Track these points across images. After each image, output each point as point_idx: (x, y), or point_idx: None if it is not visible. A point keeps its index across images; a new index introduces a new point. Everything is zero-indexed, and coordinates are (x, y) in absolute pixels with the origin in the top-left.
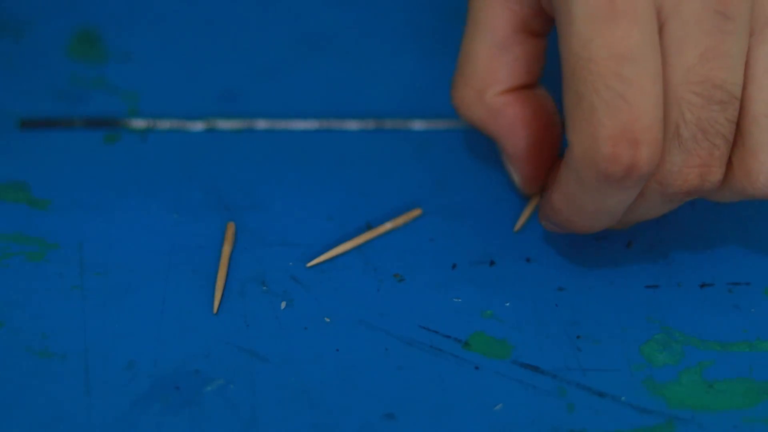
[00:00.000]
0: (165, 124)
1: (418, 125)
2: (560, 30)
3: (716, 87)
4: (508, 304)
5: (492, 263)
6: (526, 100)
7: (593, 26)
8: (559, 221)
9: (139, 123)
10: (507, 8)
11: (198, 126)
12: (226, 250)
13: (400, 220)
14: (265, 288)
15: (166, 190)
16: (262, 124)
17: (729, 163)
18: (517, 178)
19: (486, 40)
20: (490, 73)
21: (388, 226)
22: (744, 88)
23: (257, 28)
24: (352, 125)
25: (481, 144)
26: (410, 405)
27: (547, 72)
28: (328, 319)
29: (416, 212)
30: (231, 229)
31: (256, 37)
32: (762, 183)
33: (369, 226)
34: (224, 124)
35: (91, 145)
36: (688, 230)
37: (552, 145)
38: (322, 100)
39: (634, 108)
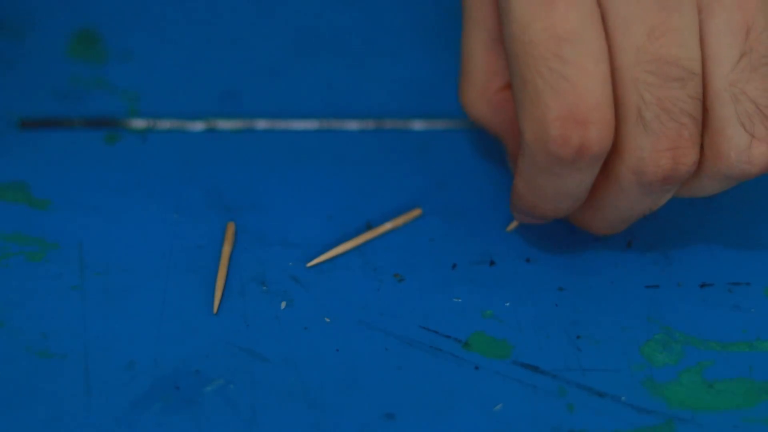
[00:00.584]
0: (165, 124)
1: (418, 125)
2: (502, 17)
3: (670, 64)
4: (508, 304)
5: (492, 263)
6: None
7: (531, 10)
8: (525, 207)
9: (139, 123)
10: (496, 3)
11: (198, 126)
12: (226, 250)
13: (400, 220)
14: (265, 288)
15: (166, 190)
16: (262, 124)
17: (701, 148)
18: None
19: (481, 36)
20: (489, 68)
21: (388, 226)
22: (703, 65)
23: (257, 28)
24: (352, 125)
25: (481, 144)
26: (410, 405)
27: None
28: (328, 319)
29: (416, 212)
30: (231, 229)
31: (256, 37)
32: (734, 160)
33: (369, 226)
34: (224, 124)
35: (91, 145)
36: (688, 230)
37: None
38: (322, 100)
39: (579, 88)
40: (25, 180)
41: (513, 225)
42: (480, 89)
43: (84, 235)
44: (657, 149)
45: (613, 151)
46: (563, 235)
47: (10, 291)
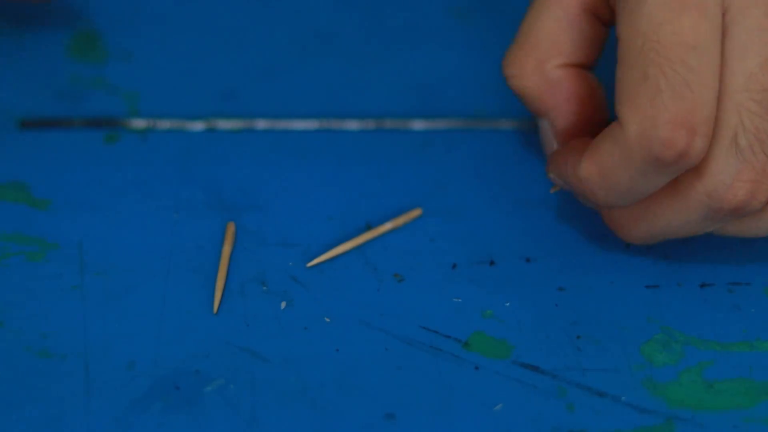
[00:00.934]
0: (165, 124)
1: (418, 125)
2: (626, 9)
3: None
4: (508, 304)
5: (492, 263)
6: (584, 78)
7: (664, 11)
8: (581, 189)
9: (139, 123)
10: None
11: (198, 126)
12: (226, 250)
13: (400, 220)
14: (265, 288)
15: (166, 190)
16: (262, 124)
17: None
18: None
19: (554, 14)
20: (555, 45)
21: (388, 226)
22: None
23: (257, 28)
24: (352, 125)
25: (481, 143)
26: (410, 405)
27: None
28: (328, 319)
29: (416, 212)
30: (231, 229)
31: (255, 36)
32: None
33: (369, 226)
34: (224, 124)
35: (91, 145)
36: None
37: (594, 128)
38: (322, 100)
39: (697, 97)
40: (25, 180)
41: (556, 188)
42: (538, 62)
43: (84, 235)
44: (740, 178)
45: (693, 168)
46: (563, 235)
47: (10, 291)
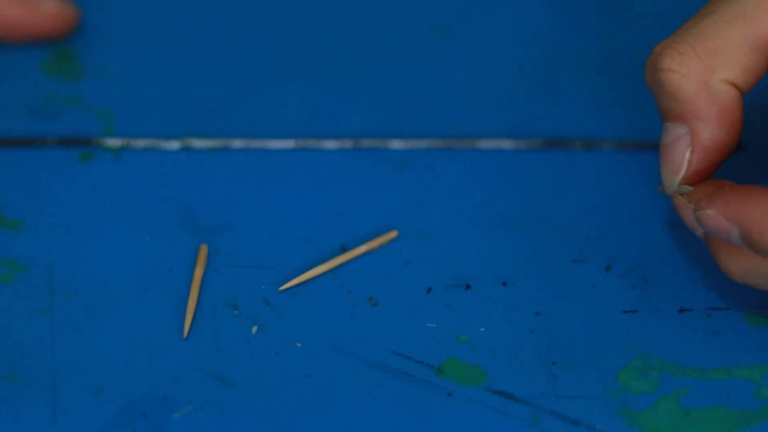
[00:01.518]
0: (140, 143)
1: (396, 144)
2: None
3: None
4: (483, 329)
5: (468, 287)
6: (740, 102)
7: None
8: (763, 230)
9: (113, 142)
10: None
11: (173, 145)
12: (198, 272)
13: (375, 243)
14: (236, 312)
15: (139, 210)
16: (238, 143)
17: None
18: (683, 168)
19: (743, 30)
20: (731, 60)
21: (363, 248)
22: None
23: (234, 46)
24: (330, 144)
25: (460, 164)
26: None
27: None
28: (299, 344)
29: (392, 234)
30: (203, 251)
31: (232, 54)
32: None
33: (344, 249)
34: (200, 143)
35: (65, 164)
36: (668, 254)
37: (732, 148)
38: (300, 119)
39: None
40: None
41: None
42: (708, 68)
43: (55, 257)
44: None
45: None
46: (541, 258)
47: None
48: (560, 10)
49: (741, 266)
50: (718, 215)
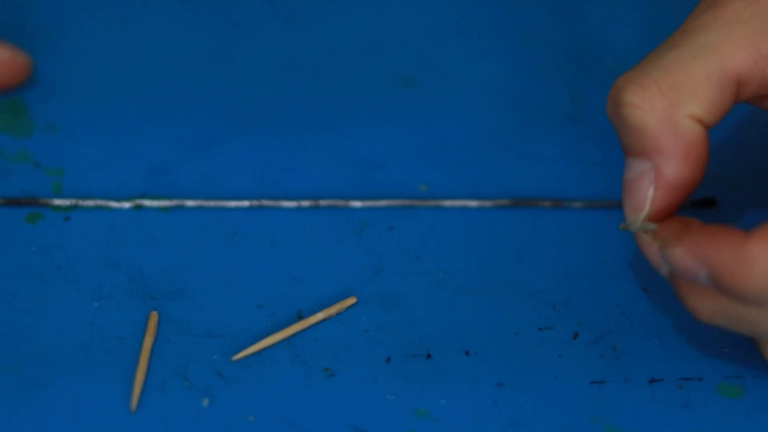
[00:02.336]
0: (90, 203)
1: (356, 204)
2: None
3: None
4: (443, 401)
5: (429, 356)
6: (706, 139)
7: None
8: (732, 272)
9: (62, 202)
10: (751, 53)
11: (124, 205)
12: (148, 341)
13: (333, 310)
14: (187, 383)
15: (87, 274)
16: (191, 202)
17: None
18: (647, 204)
19: (708, 64)
20: (696, 95)
21: (320, 316)
22: None
23: (188, 102)
24: (287, 204)
25: (422, 224)
26: None
27: None
28: (252, 418)
29: (351, 300)
30: (153, 319)
31: (186, 110)
32: None
33: (300, 316)
34: (152, 203)
35: (11, 225)
36: (637, 321)
37: (695, 185)
38: (256, 177)
39: None
40: None
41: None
42: (671, 104)
43: None
44: None
45: None
46: (504, 326)
47: None
48: (527, 65)
49: (708, 306)
50: (686, 255)
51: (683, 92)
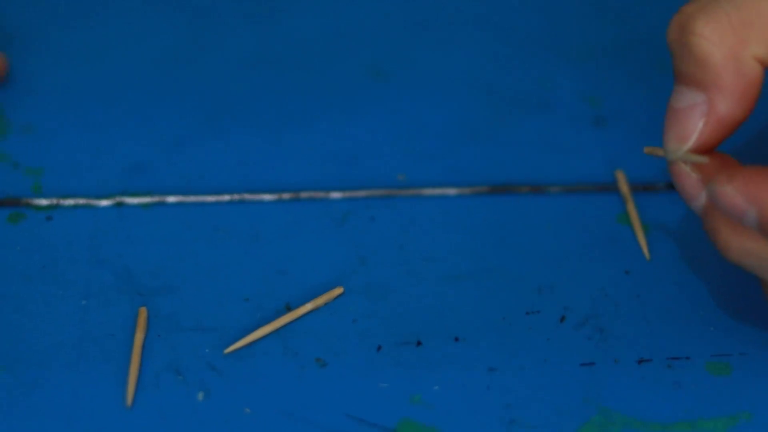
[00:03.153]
0: (70, 202)
1: (336, 195)
2: None
3: None
4: (436, 388)
5: (419, 344)
6: (763, 78)
7: None
8: (715, 227)
9: (43, 201)
10: None
11: (105, 203)
12: (139, 337)
13: (320, 300)
14: (180, 377)
15: (73, 273)
16: (172, 198)
17: None
18: (694, 136)
19: None
20: (765, 35)
21: (308, 307)
22: None
23: (165, 98)
24: (267, 197)
25: (404, 213)
26: None
27: None
28: (248, 410)
29: (338, 291)
30: (143, 314)
31: (164, 106)
32: None
33: (288, 308)
34: (132, 200)
35: None
36: (624, 302)
37: (743, 120)
38: (235, 172)
39: None
40: None
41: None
42: (740, 41)
43: None
44: None
45: None
46: (493, 311)
47: None
48: (497, 53)
49: (743, 246)
50: (737, 193)
51: (754, 31)
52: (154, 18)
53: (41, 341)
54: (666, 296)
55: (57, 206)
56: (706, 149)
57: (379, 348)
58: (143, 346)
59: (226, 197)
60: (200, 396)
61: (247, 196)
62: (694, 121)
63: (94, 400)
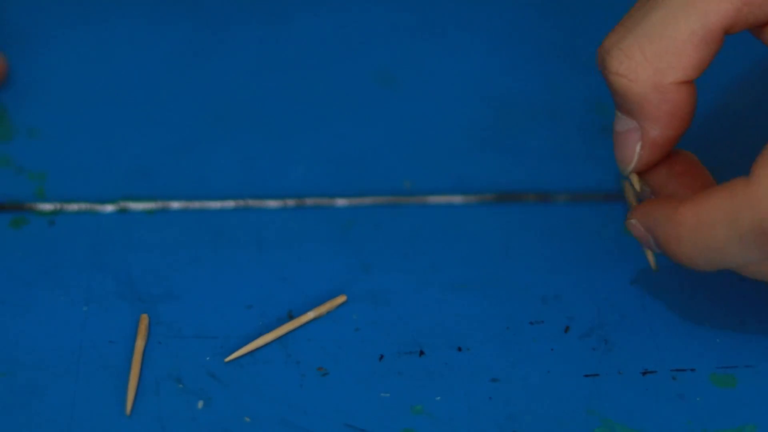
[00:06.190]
0: (73, 207)
1: (341, 203)
2: None
3: None
4: (438, 398)
5: (421, 353)
6: (692, 93)
7: None
8: (667, 234)
9: (46, 206)
10: (733, 1)
11: (108, 208)
12: (139, 344)
13: (323, 308)
14: (180, 385)
15: (75, 279)
16: (176, 204)
17: None
18: (634, 159)
19: (694, 26)
20: (680, 60)
21: (310, 315)
22: None
23: (169, 103)
24: (272, 204)
25: (408, 221)
26: None
27: None
28: (248, 419)
29: (341, 299)
30: (144, 321)
31: (168, 112)
32: None
33: (291, 315)
34: (136, 206)
35: None
36: (627, 313)
37: (680, 136)
38: (240, 178)
39: None
40: None
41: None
42: (656, 72)
43: None
44: None
45: None
46: (496, 321)
47: None
48: (506, 59)
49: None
50: (638, 224)
51: (669, 59)
52: (160, 22)
53: (41, 347)
54: (672, 307)
55: (60, 211)
56: (653, 165)
57: (381, 357)
58: (144, 353)
59: (231, 203)
60: (200, 404)
61: (252, 202)
62: (633, 144)
63: (93, 407)
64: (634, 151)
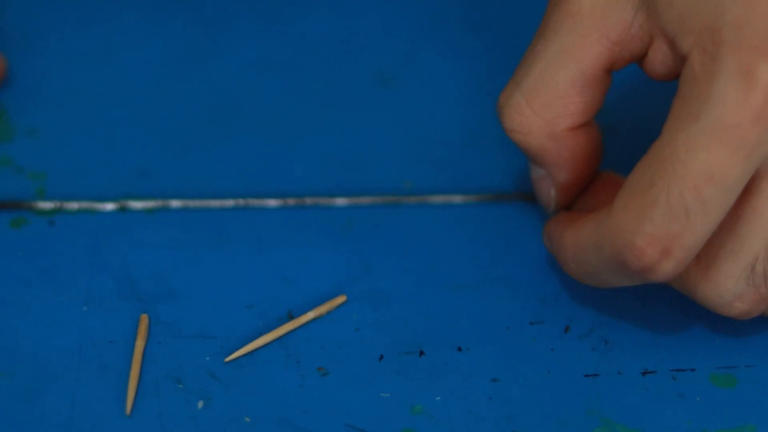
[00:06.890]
0: (73, 206)
1: (341, 202)
2: (679, 116)
3: None
4: (438, 398)
5: (421, 353)
6: (589, 133)
7: (705, 139)
8: (558, 255)
9: (46, 205)
10: (603, 44)
11: (109, 207)
12: (139, 344)
13: (323, 309)
14: (180, 385)
15: (75, 279)
16: (176, 203)
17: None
18: (552, 202)
19: (572, 73)
20: (567, 107)
21: (310, 315)
22: None
23: (169, 102)
24: (272, 203)
25: (409, 221)
26: None
27: None
28: (248, 419)
29: (341, 299)
30: (144, 321)
31: (168, 110)
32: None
33: (291, 315)
34: (136, 205)
35: None
36: (627, 313)
37: (591, 174)
38: (239, 177)
39: (691, 226)
40: None
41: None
42: (547, 123)
43: None
44: (742, 300)
45: (702, 269)
46: (497, 321)
47: None
48: (505, 58)
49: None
50: (546, 238)
51: (557, 109)
52: (160, 23)
53: (41, 347)
54: (671, 307)
55: (60, 210)
56: (571, 202)
57: (381, 357)
58: (144, 353)
59: (231, 202)
60: (200, 404)
61: (252, 202)
62: (547, 190)
63: (93, 407)
64: (549, 195)
